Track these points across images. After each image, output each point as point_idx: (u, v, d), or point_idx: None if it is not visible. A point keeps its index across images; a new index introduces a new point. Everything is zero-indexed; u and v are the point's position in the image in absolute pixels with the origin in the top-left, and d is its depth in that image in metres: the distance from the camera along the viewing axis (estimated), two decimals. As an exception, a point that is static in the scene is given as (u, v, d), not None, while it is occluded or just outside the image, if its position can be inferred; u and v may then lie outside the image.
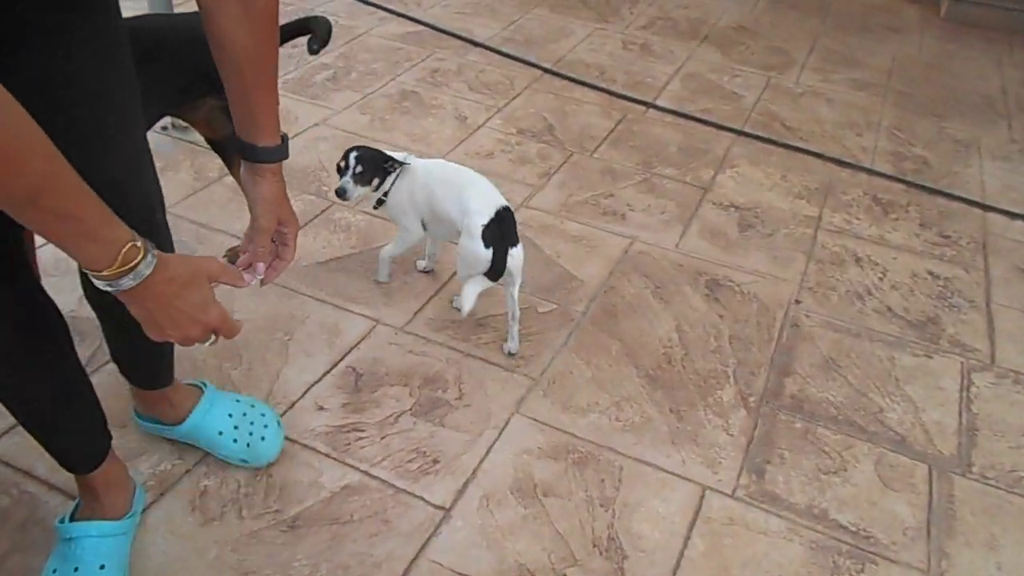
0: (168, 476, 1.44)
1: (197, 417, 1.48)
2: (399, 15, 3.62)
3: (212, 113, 1.75)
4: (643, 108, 3.06)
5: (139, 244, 0.85)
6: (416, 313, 1.93)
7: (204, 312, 0.95)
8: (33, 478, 1.41)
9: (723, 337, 1.97)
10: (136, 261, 0.84)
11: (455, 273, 2.06)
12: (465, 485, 1.51)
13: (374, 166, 1.81)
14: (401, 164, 1.83)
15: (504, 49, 3.39)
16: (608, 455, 1.62)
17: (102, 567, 1.25)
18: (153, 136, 2.54)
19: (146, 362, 1.43)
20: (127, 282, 0.85)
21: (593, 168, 2.64)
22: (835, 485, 1.61)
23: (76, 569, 1.24)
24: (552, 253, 2.20)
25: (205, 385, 1.53)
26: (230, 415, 1.51)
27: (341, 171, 1.80)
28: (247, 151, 1.09)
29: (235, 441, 1.49)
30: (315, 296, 1.94)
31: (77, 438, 1.27)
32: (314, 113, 2.75)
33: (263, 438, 1.50)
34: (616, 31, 3.72)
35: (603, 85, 3.18)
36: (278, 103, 1.09)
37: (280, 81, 2.81)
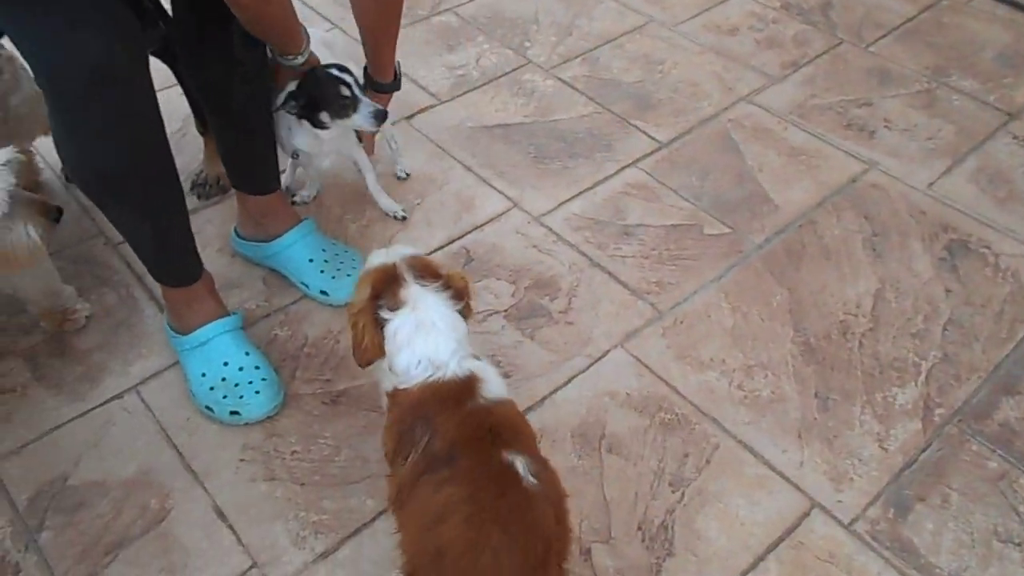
0: (249, 316, 1.46)
1: (294, 236, 1.48)
2: None
3: None
4: (970, -7, 2.31)
5: (303, 47, 1.29)
6: (562, 204, 1.70)
7: None
8: (143, 285, 1.51)
9: (939, 319, 1.49)
10: (302, 50, 1.30)
11: (623, 168, 1.78)
12: (525, 412, 1.33)
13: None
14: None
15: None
16: (707, 426, 1.32)
17: (247, 353, 1.31)
18: None
19: (256, 157, 1.45)
20: (298, 60, 1.31)
21: (860, 65, 2.07)
22: (1008, 560, 1.17)
23: (226, 363, 1.28)
24: (753, 164, 1.80)
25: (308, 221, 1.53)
26: (323, 249, 1.51)
27: (355, 91, 1.40)
28: (371, 83, 1.46)
29: (322, 272, 1.48)
30: (464, 162, 1.79)
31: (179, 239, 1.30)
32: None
33: (348, 275, 1.46)
34: None
35: (926, -44, 2.44)
36: (395, 51, 1.44)
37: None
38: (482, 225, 1.65)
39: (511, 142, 1.85)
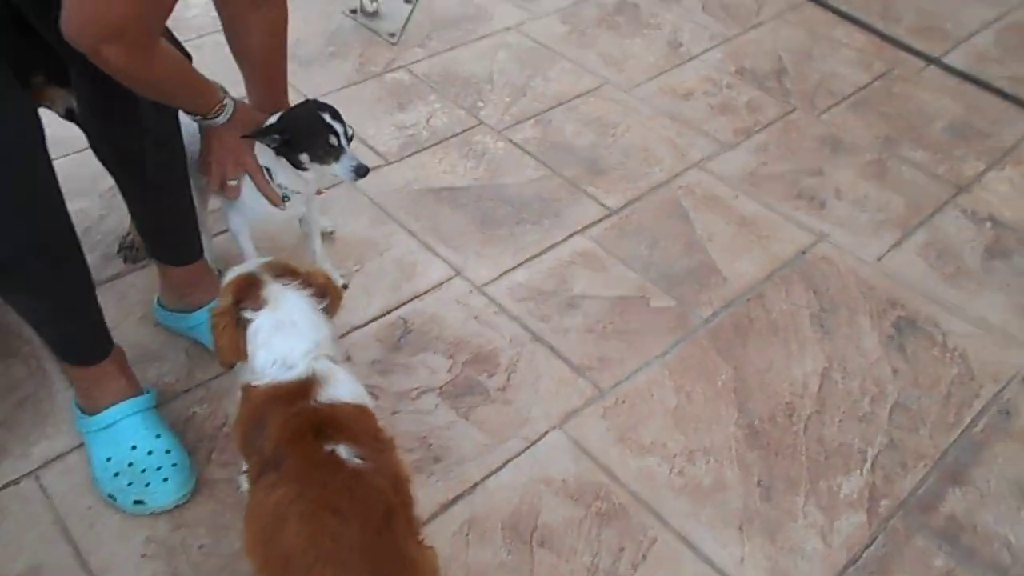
0: (167, 390, 1.38)
1: None
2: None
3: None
4: (922, 63, 2.34)
5: (225, 100, 1.24)
6: (506, 273, 1.65)
7: (245, 155, 1.30)
8: (55, 357, 1.43)
9: (886, 401, 1.45)
10: (224, 105, 1.24)
11: (571, 235, 1.74)
12: (454, 500, 1.26)
13: None
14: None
15: (768, -36, 2.76)
16: (645, 517, 1.26)
17: (158, 436, 1.23)
18: (337, 19, 2.49)
19: (174, 227, 1.38)
20: (221, 119, 1.25)
21: (812, 133, 2.07)
22: (954, 670, 1.11)
23: (134, 447, 1.20)
24: (703, 234, 1.77)
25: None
26: None
27: (342, 142, 1.29)
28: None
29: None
30: (407, 227, 1.74)
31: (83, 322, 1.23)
32: (511, 15, 2.46)
33: None
34: (933, -46, 2.87)
35: (878, 25, 2.47)
36: (285, 89, 1.40)
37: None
38: (423, 294, 1.60)
39: (458, 206, 1.80)
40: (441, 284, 1.62)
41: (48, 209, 1.06)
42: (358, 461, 0.92)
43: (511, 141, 1.99)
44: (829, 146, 2.03)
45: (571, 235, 1.75)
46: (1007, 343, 1.57)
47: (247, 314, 1.01)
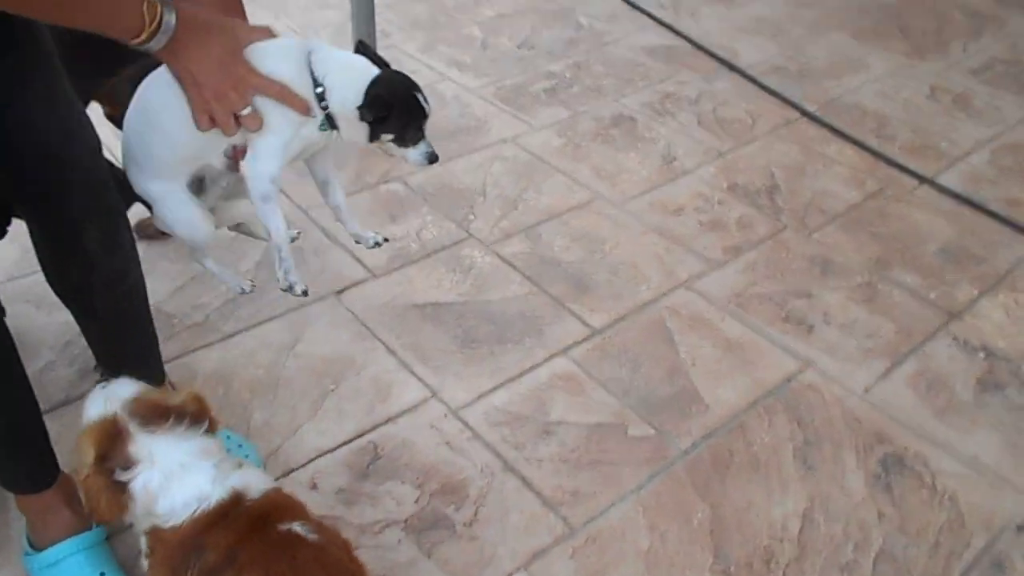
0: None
1: None
2: (663, 24, 3.22)
3: (119, 85, 1.60)
4: (915, 182, 2.34)
5: (159, 9, 0.91)
6: (483, 396, 1.63)
7: (239, 69, 1.00)
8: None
9: (870, 549, 1.39)
10: (158, 13, 0.91)
11: (552, 356, 1.72)
12: (408, 647, 1.21)
13: None
14: None
15: (764, 80, 2.83)
16: (609, 674, 1.20)
17: (102, 575, 1.20)
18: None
19: (128, 362, 1.31)
20: (162, 37, 0.93)
21: (803, 253, 2.06)
22: None
23: None
24: (686, 358, 1.74)
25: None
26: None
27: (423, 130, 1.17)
28: None
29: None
30: (388, 344, 1.73)
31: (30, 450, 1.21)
32: (509, 126, 2.52)
33: None
34: (929, 72, 2.92)
35: (872, 143, 2.50)
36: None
37: (494, 86, 2.67)
38: (396, 417, 1.57)
39: (440, 323, 1.80)
40: (416, 406, 1.60)
41: None
42: (315, 536, 0.97)
43: (499, 256, 2.00)
44: (819, 267, 2.02)
45: (552, 356, 1.73)
46: (1000, 486, 1.50)
47: (121, 476, 0.95)
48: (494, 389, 1.65)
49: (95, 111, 1.44)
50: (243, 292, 1.39)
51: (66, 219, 1.11)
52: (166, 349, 1.53)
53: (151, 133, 1.10)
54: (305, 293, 1.20)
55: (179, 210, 1.16)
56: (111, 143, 1.33)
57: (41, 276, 1.21)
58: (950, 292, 1.96)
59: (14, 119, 1.01)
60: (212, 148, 1.13)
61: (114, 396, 1.01)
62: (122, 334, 1.30)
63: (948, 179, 2.36)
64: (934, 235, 2.15)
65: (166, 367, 1.46)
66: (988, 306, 1.92)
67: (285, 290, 1.18)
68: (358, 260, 1.96)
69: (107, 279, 1.20)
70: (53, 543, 1.18)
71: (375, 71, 1.10)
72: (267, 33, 1.06)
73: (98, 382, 1.57)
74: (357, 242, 1.36)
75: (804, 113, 2.65)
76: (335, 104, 1.08)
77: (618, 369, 1.71)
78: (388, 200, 2.17)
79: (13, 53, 0.99)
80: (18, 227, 1.25)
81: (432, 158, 1.17)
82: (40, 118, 1.03)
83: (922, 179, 2.34)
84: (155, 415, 0.99)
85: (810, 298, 1.92)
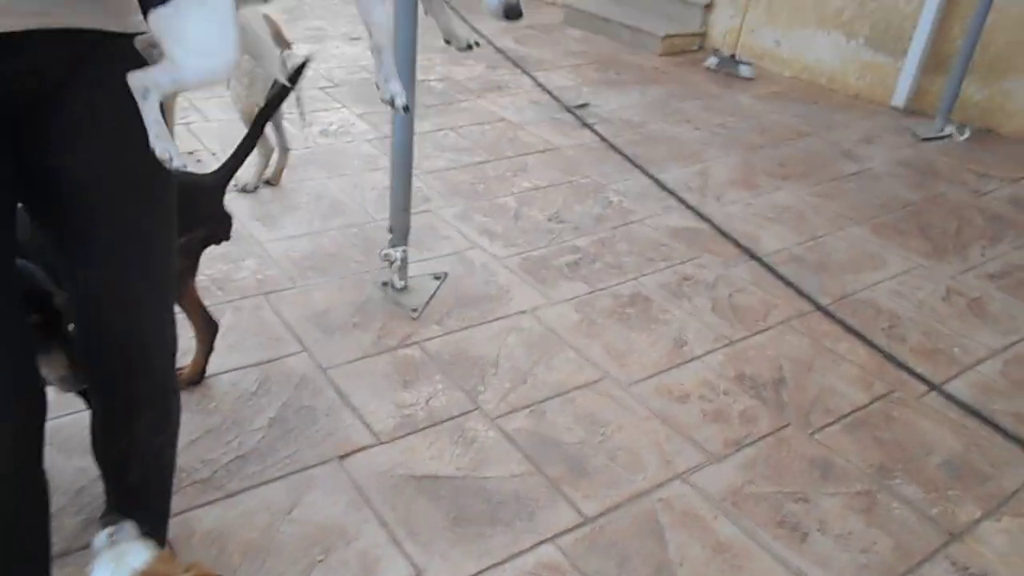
0: None
1: None
2: (688, 207, 3.39)
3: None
4: (924, 388, 2.36)
5: None
6: (466, 579, 1.65)
7: None
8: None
9: None
10: None
11: (540, 543, 1.73)
12: None
13: None
14: None
15: (782, 269, 2.93)
16: None
17: None
18: (368, 290, 2.72)
19: (148, 509, 1.39)
20: None
21: (804, 453, 2.08)
22: None
23: None
24: (675, 556, 1.74)
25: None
26: None
27: None
28: None
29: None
30: (380, 516, 1.78)
31: None
32: (529, 297, 2.65)
33: None
34: (946, 274, 3.00)
35: (883, 342, 2.54)
36: None
37: (520, 257, 2.82)
38: (377, 595, 1.60)
39: (435, 497, 1.84)
40: (399, 585, 1.62)
41: (26, 538, 1.14)
42: None
43: (502, 431, 2.06)
44: (819, 469, 2.03)
45: (540, 543, 1.75)
46: None
47: None
48: (478, 574, 1.67)
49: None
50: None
51: (124, 405, 1.23)
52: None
53: None
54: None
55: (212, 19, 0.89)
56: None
57: (68, 420, 1.32)
58: (952, 510, 1.94)
59: (99, 322, 1.14)
60: None
61: (123, 565, 1.05)
62: (143, 496, 1.38)
63: (957, 387, 2.38)
64: (939, 446, 2.14)
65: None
66: (990, 529, 1.89)
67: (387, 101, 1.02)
68: (367, 425, 2.04)
69: (145, 455, 1.31)
70: None
71: None
72: None
73: (104, 526, 1.65)
74: (447, 41, 1.18)
75: (818, 307, 2.72)
76: None
77: (605, 562, 1.72)
78: (405, 365, 2.28)
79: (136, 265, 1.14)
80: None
81: (512, 11, 0.98)
82: (123, 325, 1.16)
83: (931, 385, 2.36)
84: None
85: (807, 503, 1.92)
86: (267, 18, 2.90)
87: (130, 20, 1.06)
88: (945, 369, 2.46)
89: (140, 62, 0.99)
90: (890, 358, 2.48)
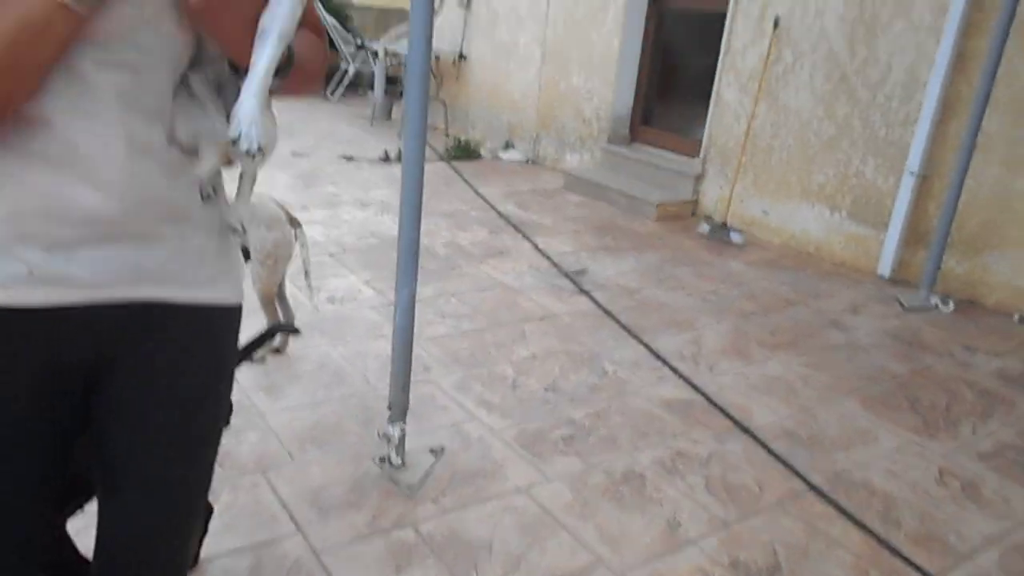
0: None
1: None
2: (681, 376, 3.48)
3: None
4: (920, 579, 2.34)
5: None
6: None
7: None
8: None
9: None
10: None
11: None
12: None
13: None
14: None
15: (773, 445, 2.97)
16: None
17: None
18: (365, 465, 2.75)
19: None
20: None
21: (800, 653, 2.04)
22: None
23: None
24: None
25: None
26: None
27: None
28: None
29: None
30: None
31: None
32: (524, 475, 2.67)
33: None
34: (938, 453, 3.03)
35: (878, 527, 2.54)
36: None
37: (517, 430, 2.87)
38: None
39: None
40: None
41: None
42: None
43: (493, 623, 2.04)
44: (817, 671, 1.99)
45: None
46: None
47: None
48: None
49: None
50: None
51: None
52: None
53: None
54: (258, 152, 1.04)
55: None
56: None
57: None
58: None
59: (119, 554, 1.16)
60: None
61: None
62: None
63: (956, 578, 2.36)
64: (939, 645, 2.10)
65: None
66: None
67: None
68: (356, 614, 2.02)
69: None
70: None
71: None
72: None
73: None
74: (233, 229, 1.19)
75: (811, 487, 2.74)
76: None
77: None
78: (398, 548, 2.28)
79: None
80: None
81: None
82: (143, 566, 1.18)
83: (927, 576, 2.35)
84: None
85: None
86: (275, 202, 3.12)
87: (200, 293, 1.10)
88: (941, 559, 2.44)
89: (200, 328, 1.10)
90: (886, 545, 2.48)
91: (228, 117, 1.02)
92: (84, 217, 0.97)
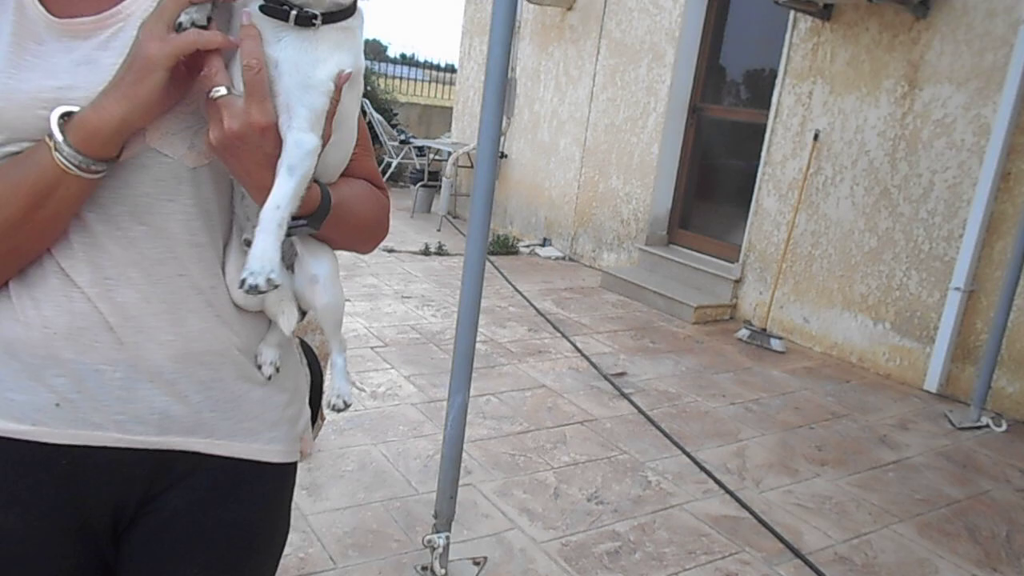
0: None
1: None
2: (728, 491, 3.38)
3: None
4: None
5: (48, 142, 0.85)
6: None
7: (162, 46, 0.84)
8: None
9: None
10: (54, 153, 0.85)
11: None
12: None
13: None
14: None
15: (827, 571, 2.85)
16: None
17: None
18: (405, 574, 2.65)
19: None
20: (84, 160, 0.85)
21: None
22: None
23: None
24: None
25: None
26: None
27: None
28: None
29: None
30: None
31: None
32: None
33: None
34: (1001, 586, 2.88)
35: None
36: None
37: (560, 542, 2.79)
38: None
39: None
40: None
41: None
42: None
43: None
44: None
45: None
46: None
47: None
48: None
49: None
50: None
51: None
52: None
53: None
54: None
55: None
56: None
57: None
58: None
59: None
60: None
61: None
62: None
63: None
64: None
65: None
66: None
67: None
68: None
69: None
70: None
71: None
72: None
73: None
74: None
75: (870, 620, 2.61)
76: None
77: None
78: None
79: None
80: None
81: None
82: None
83: None
84: None
85: None
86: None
87: (234, 445, 1.00)
88: None
89: (226, 484, 1.02)
90: None
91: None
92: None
